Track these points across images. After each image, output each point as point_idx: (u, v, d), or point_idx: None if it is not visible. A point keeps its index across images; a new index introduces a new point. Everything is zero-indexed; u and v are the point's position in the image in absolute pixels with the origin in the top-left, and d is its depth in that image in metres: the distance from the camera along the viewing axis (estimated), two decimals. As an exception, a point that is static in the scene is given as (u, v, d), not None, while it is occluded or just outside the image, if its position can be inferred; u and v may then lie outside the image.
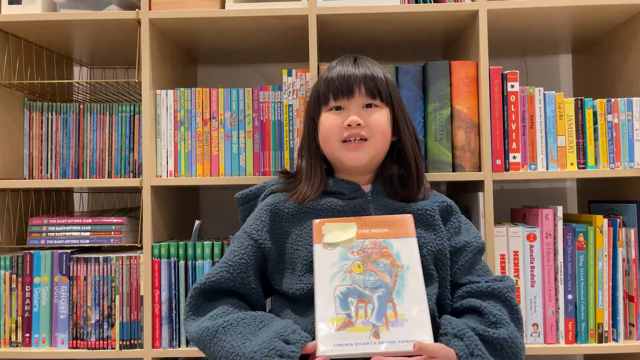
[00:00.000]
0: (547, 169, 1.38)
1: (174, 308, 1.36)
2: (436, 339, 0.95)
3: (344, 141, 1.09)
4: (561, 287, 1.34)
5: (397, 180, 1.13)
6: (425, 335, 0.93)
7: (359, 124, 1.07)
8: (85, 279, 1.38)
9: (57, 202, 1.69)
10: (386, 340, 0.92)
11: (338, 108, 1.10)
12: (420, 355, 0.91)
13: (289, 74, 1.40)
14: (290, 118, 1.39)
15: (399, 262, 1.00)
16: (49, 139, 1.51)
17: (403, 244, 1.02)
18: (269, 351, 0.90)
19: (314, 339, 0.94)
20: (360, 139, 1.08)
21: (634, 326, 1.35)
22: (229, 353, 0.93)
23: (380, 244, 1.02)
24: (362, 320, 0.94)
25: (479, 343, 0.94)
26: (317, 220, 1.05)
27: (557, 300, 1.34)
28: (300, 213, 1.09)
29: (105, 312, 1.38)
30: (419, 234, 1.05)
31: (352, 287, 0.97)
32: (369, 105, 1.10)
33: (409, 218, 1.05)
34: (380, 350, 0.91)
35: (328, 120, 1.10)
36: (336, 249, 1.01)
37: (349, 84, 1.09)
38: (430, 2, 1.39)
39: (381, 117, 1.10)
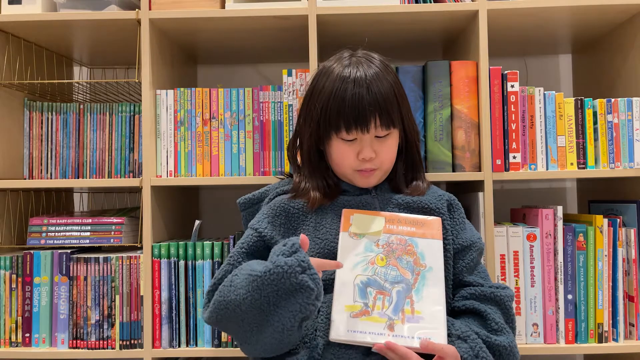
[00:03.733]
0: (547, 169, 1.38)
1: (174, 308, 1.36)
2: None
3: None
4: (561, 287, 1.34)
5: (402, 176, 1.14)
6: (439, 335, 0.95)
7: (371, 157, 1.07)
8: (85, 279, 1.38)
9: (57, 202, 1.69)
10: (400, 334, 0.94)
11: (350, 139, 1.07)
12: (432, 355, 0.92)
13: (289, 74, 1.40)
14: (290, 118, 1.39)
15: (422, 261, 1.02)
16: (49, 139, 1.51)
17: (428, 244, 1.04)
18: (278, 254, 0.90)
19: (325, 327, 0.95)
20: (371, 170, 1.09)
21: (634, 326, 1.35)
22: (245, 275, 0.93)
23: (405, 241, 1.03)
24: (378, 312, 0.96)
25: (483, 346, 0.96)
26: (347, 209, 1.06)
27: (557, 300, 1.34)
28: (309, 211, 1.09)
29: (105, 312, 1.38)
30: None
31: (373, 278, 0.99)
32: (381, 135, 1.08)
33: (437, 221, 1.07)
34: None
35: (341, 149, 1.07)
36: (362, 239, 1.03)
37: (364, 117, 1.03)
38: (430, 2, 1.39)
39: (392, 146, 1.09)
